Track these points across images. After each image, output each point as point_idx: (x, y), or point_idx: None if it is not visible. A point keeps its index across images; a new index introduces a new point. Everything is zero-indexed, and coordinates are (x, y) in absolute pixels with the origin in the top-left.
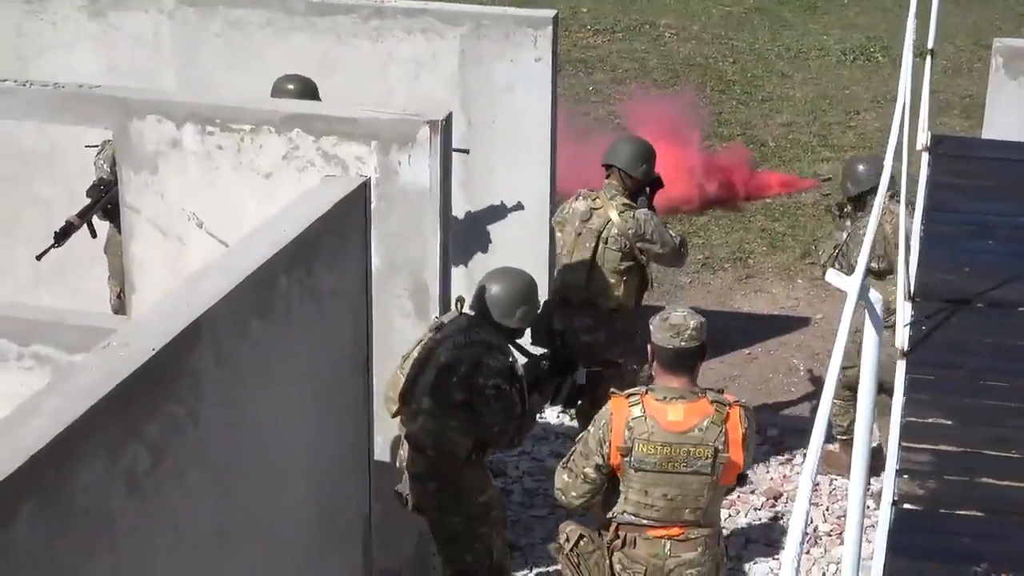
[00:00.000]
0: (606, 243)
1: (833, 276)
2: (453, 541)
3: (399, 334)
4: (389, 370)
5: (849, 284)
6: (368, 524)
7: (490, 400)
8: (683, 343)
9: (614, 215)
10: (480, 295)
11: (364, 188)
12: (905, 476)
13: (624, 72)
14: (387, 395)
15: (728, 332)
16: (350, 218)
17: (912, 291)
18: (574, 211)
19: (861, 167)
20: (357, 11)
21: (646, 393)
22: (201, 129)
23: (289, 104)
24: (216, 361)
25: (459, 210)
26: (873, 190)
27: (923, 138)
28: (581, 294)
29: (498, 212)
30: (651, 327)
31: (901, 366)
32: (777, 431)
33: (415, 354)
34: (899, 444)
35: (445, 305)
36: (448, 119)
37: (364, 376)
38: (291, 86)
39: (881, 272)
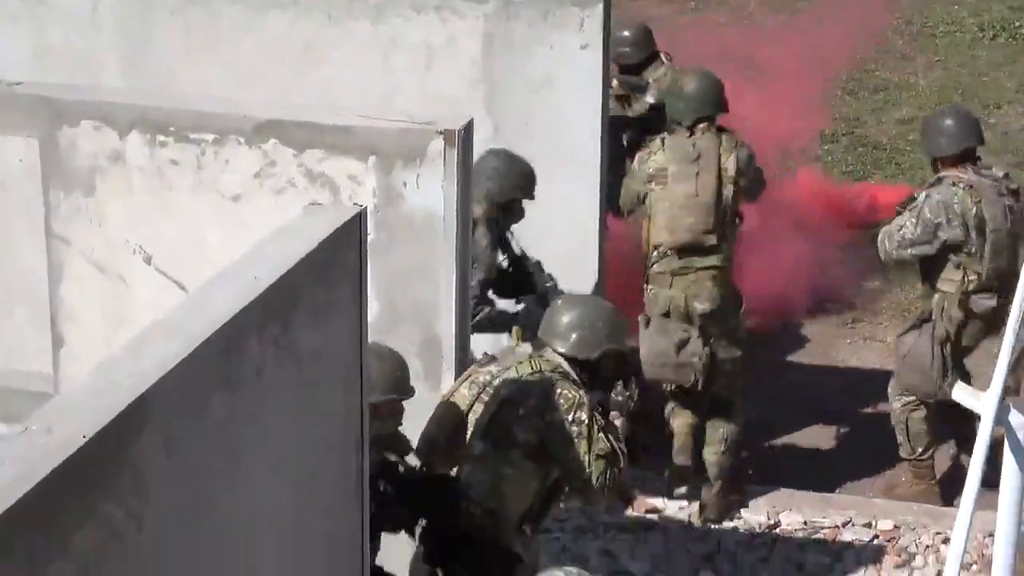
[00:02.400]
0: None
1: (962, 393)
2: None
3: (406, 402)
4: None
5: (983, 403)
6: None
7: (571, 440)
8: None
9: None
10: (545, 322)
11: (359, 220)
12: None
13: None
14: (417, 445)
15: (828, 393)
16: (340, 260)
17: None
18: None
19: (949, 121)
20: None
21: None
22: (150, 139)
23: (263, 108)
24: (166, 449)
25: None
26: (966, 152)
27: None
28: None
29: (533, 238)
30: None
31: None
32: (891, 523)
33: (463, 392)
34: None
35: (463, 364)
36: (469, 128)
37: (357, 458)
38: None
39: None
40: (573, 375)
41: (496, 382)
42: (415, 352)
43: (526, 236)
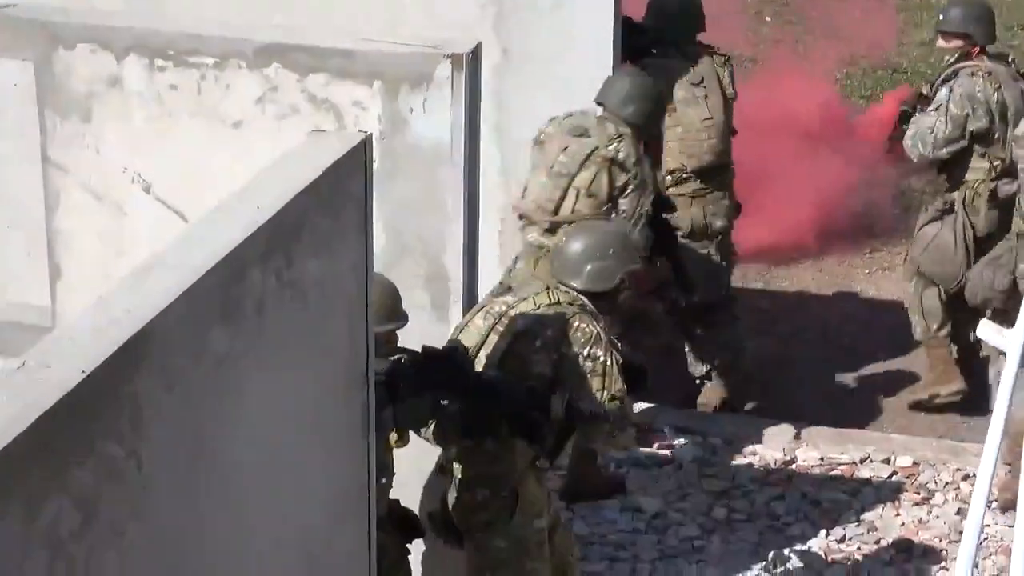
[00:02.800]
0: None
1: (987, 329)
2: (492, 574)
3: (411, 332)
4: None
5: (1009, 341)
6: None
7: (586, 376)
8: None
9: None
10: (560, 255)
11: (364, 147)
12: None
13: None
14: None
15: (846, 324)
16: (345, 188)
17: None
18: None
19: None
20: None
21: None
22: (149, 63)
23: (266, 32)
24: (166, 385)
25: (491, 167)
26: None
27: None
28: None
29: None
30: None
31: None
32: (911, 459)
33: (478, 323)
34: None
35: (472, 295)
36: (477, 51)
37: (364, 392)
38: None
39: None
40: (591, 307)
41: (512, 313)
42: (422, 284)
43: None
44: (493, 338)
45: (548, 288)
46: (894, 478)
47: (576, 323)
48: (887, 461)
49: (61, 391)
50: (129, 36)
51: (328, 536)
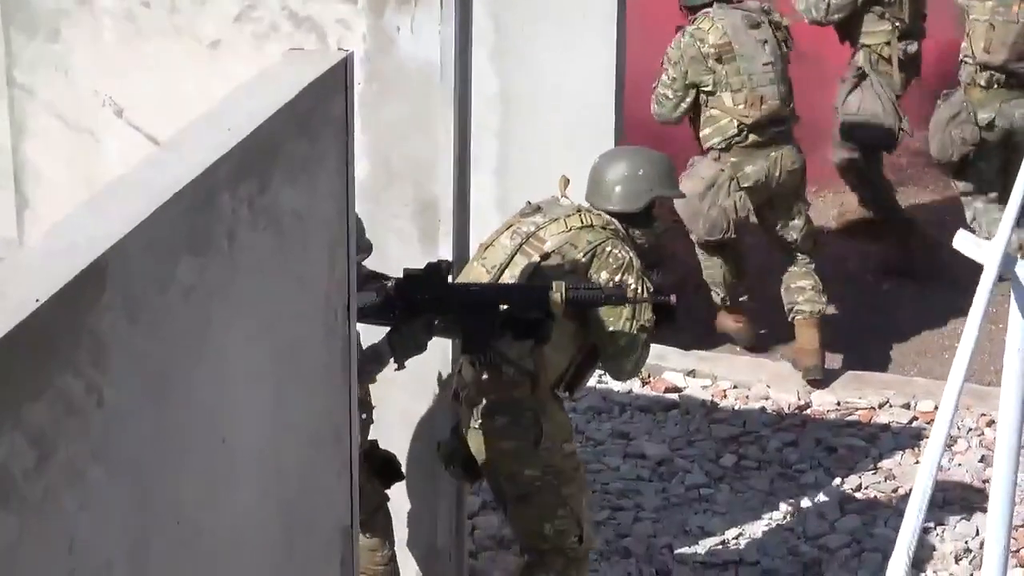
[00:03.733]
0: None
1: (964, 241)
2: (527, 504)
3: (399, 264)
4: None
5: (986, 252)
6: (350, 538)
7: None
8: None
9: None
10: (592, 177)
11: (344, 66)
12: None
13: None
14: None
15: (864, 262)
16: (324, 110)
17: None
18: None
19: None
20: None
21: None
22: None
23: None
24: (129, 317)
25: (489, 92)
26: None
27: None
28: None
29: (545, 95)
30: None
31: None
32: (932, 404)
33: (504, 242)
34: None
35: (463, 224)
36: None
37: (344, 330)
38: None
39: None
40: (624, 232)
41: (541, 233)
42: (410, 214)
43: (536, 90)
44: (520, 259)
45: (580, 210)
46: (914, 424)
47: (608, 248)
48: (907, 406)
49: (15, 319)
50: None
51: (307, 477)
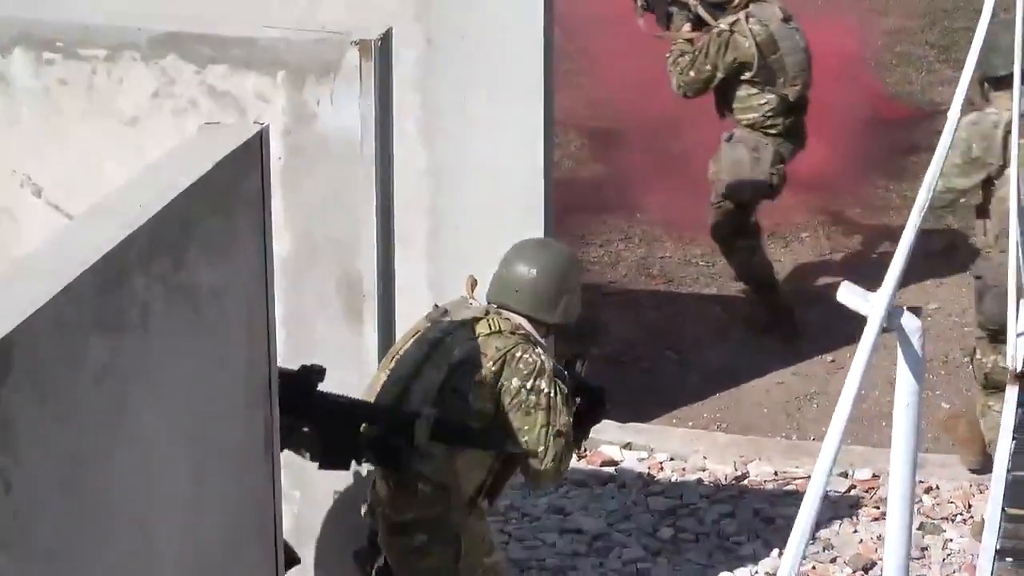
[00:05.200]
0: None
1: (847, 294)
2: None
3: (324, 344)
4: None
5: (871, 304)
6: None
7: (530, 409)
8: None
9: None
10: (504, 279)
11: (259, 140)
12: (1008, 560)
13: None
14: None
15: (806, 328)
16: (239, 186)
17: None
18: None
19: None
20: None
21: None
22: (36, 56)
23: (159, 20)
24: (38, 398)
25: (418, 165)
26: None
27: None
28: None
29: (473, 171)
30: None
31: (1012, 393)
32: (870, 472)
33: (408, 350)
34: (1001, 512)
35: (388, 301)
36: (387, 37)
37: (266, 405)
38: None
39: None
40: (534, 335)
41: (448, 339)
42: (334, 290)
43: (465, 165)
44: (429, 370)
45: (488, 314)
46: (852, 492)
47: (518, 353)
48: (845, 475)
49: None
50: (13, 27)
51: (228, 561)
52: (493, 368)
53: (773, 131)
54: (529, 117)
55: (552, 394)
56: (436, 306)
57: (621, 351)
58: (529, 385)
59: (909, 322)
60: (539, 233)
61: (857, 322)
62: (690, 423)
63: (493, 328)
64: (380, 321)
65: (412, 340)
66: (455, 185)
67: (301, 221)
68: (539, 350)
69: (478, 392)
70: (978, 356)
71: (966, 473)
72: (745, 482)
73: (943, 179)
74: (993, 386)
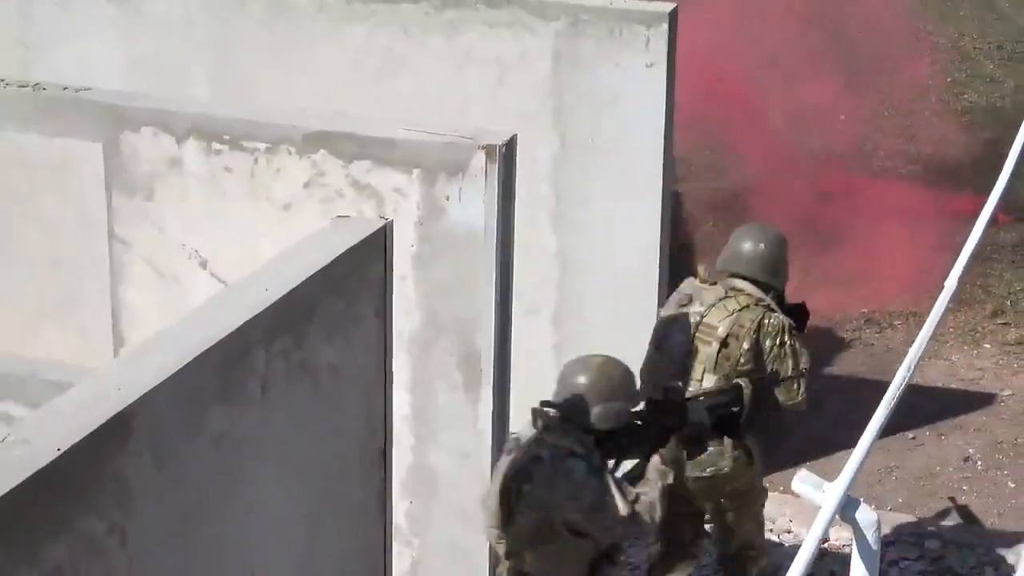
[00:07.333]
0: None
1: (802, 485)
2: None
3: (445, 410)
4: (427, 459)
5: (826, 494)
6: None
7: (783, 359)
8: None
9: None
10: (737, 252)
11: (383, 233)
12: None
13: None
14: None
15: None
16: (361, 273)
17: None
18: None
19: None
20: None
21: None
22: (206, 146)
23: (313, 120)
24: (155, 462)
25: (549, 251)
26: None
27: None
28: None
29: (597, 254)
30: None
31: None
32: (938, 543)
33: (673, 336)
34: None
35: (503, 375)
36: (511, 143)
37: (380, 472)
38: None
39: None
40: (767, 300)
41: (707, 319)
42: (455, 364)
43: (587, 255)
44: (702, 347)
45: (728, 293)
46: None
47: (767, 320)
48: None
49: (34, 467)
50: (188, 120)
51: None
52: (753, 336)
53: None
54: (646, 213)
55: (793, 344)
56: (678, 291)
57: None
58: (779, 341)
59: (864, 516)
60: (651, 305)
61: (936, 403)
62: (780, 488)
63: (742, 304)
64: (495, 391)
65: (674, 328)
66: (580, 266)
67: (429, 301)
68: (778, 313)
69: (749, 355)
70: None
71: None
72: (825, 545)
73: None
74: None
